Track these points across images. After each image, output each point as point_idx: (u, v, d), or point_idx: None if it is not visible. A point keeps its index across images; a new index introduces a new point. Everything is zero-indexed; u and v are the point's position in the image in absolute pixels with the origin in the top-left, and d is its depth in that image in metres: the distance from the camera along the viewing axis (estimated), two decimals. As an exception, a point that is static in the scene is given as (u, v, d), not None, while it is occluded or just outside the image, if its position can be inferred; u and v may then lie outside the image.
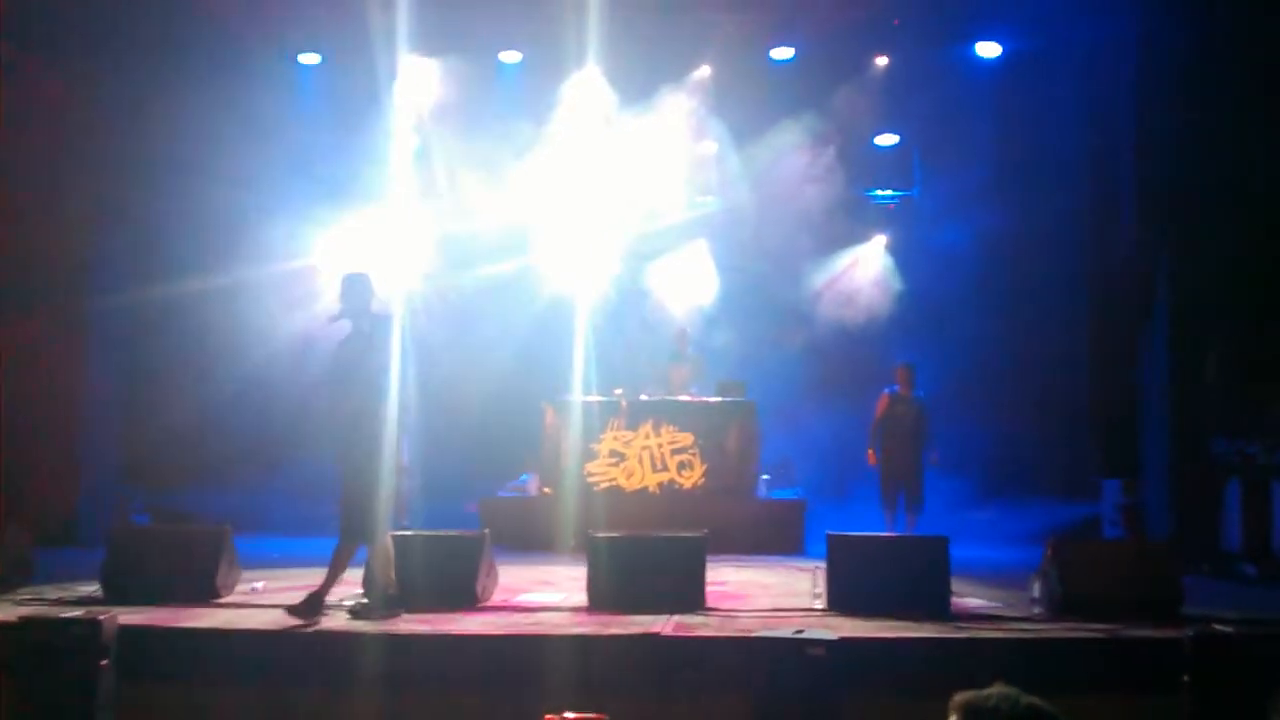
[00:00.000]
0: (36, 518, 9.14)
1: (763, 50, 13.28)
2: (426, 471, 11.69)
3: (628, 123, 12.79)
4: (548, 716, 2.50)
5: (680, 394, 11.74)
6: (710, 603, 7.16)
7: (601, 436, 11.31)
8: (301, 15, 12.46)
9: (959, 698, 2.42)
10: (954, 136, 13.28)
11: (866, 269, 13.62)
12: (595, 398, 11.58)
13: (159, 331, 12.03)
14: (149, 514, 11.50)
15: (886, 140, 13.93)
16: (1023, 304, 12.71)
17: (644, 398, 11.61)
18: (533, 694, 5.72)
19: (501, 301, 12.73)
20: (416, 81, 12.89)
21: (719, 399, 11.60)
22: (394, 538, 7.09)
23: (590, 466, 11.24)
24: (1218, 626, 5.56)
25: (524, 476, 11.77)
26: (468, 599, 7.10)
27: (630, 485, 11.26)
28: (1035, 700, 2.38)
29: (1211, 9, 10.46)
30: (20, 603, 6.94)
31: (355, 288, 6.94)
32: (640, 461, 11.29)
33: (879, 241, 13.77)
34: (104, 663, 5.50)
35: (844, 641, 5.65)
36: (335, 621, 6.58)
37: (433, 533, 7.79)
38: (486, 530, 7.77)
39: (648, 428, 11.33)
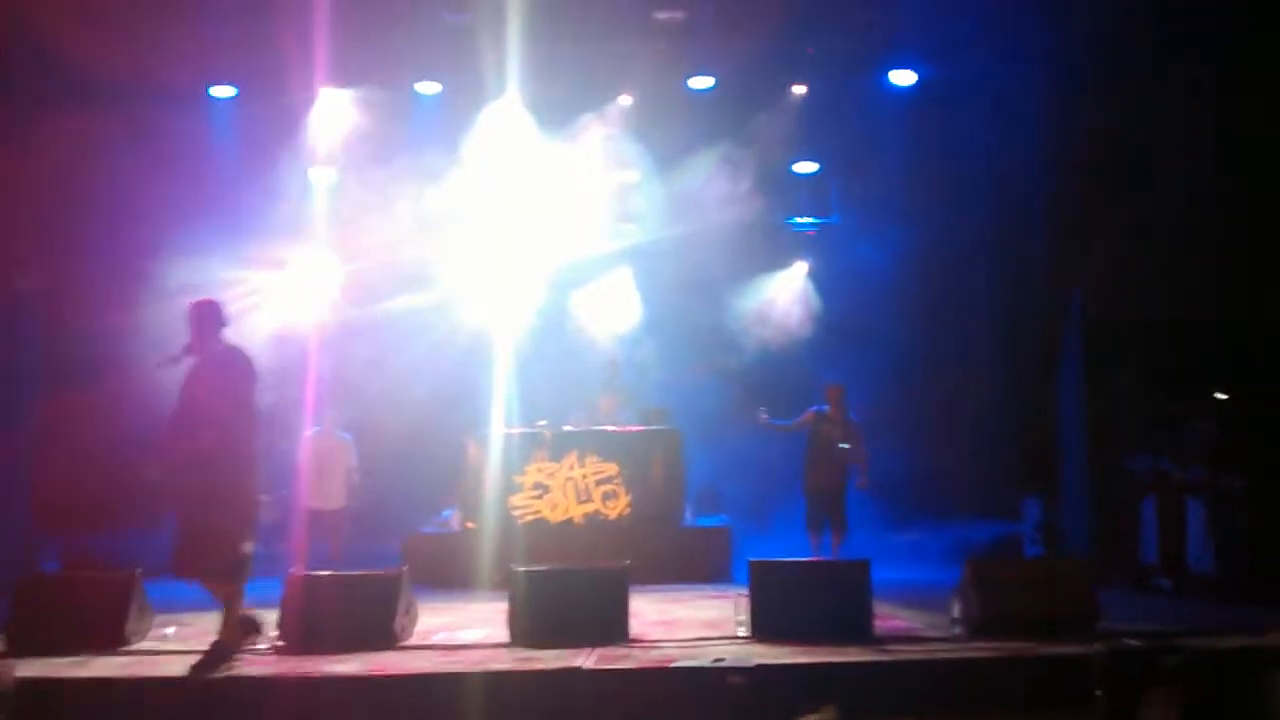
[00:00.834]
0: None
1: (682, 79, 13.36)
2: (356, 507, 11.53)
3: (548, 152, 12.76)
4: None
5: (609, 423, 11.68)
6: (634, 633, 7.12)
7: (525, 469, 11.21)
8: (214, 47, 12.26)
9: None
10: (871, 163, 13.42)
11: (788, 294, 13.74)
12: (517, 429, 11.48)
13: (67, 373, 11.71)
14: (60, 561, 11.15)
15: (805, 167, 14.07)
16: (941, 326, 12.86)
17: (568, 428, 11.54)
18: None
19: (421, 334, 12.58)
20: (332, 113, 12.76)
21: (643, 428, 11.57)
22: (305, 578, 6.94)
23: (514, 499, 11.13)
24: (1128, 641, 5.64)
25: (446, 512, 11.63)
26: (385, 639, 6.97)
27: (555, 517, 11.17)
28: None
29: (1120, 36, 10.72)
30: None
31: (205, 317, 6.61)
32: (565, 493, 11.21)
33: (800, 267, 13.89)
34: (2, 715, 5.30)
35: (764, 668, 5.64)
36: (249, 667, 6.43)
37: (349, 572, 7.64)
38: (405, 568, 7.64)
39: (572, 458, 11.26)
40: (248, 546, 6.49)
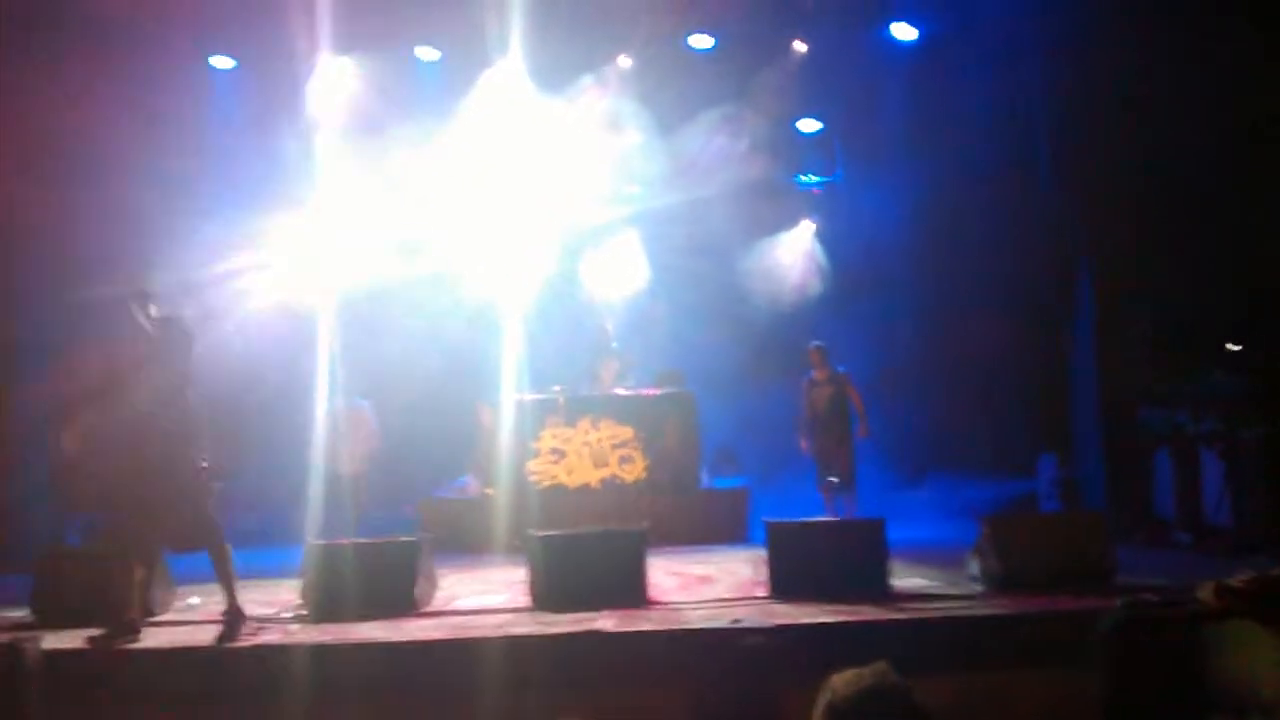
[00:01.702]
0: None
1: (682, 39, 13.26)
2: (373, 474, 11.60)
3: (549, 116, 12.69)
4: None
5: (613, 388, 11.69)
6: (652, 596, 7.16)
7: (541, 434, 11.24)
8: (214, 18, 12.20)
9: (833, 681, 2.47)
10: (874, 120, 13.34)
11: (795, 253, 13.70)
12: (531, 395, 11.50)
13: (87, 334, 11.71)
14: (82, 534, 11.22)
15: (809, 125, 13.97)
16: (949, 282, 12.79)
17: (582, 394, 11.56)
18: (476, 698, 5.69)
19: (428, 302, 12.56)
20: (333, 81, 12.69)
21: (657, 391, 11.58)
22: (326, 546, 6.99)
23: (531, 465, 11.16)
24: (1145, 595, 5.64)
25: (463, 478, 11.68)
26: (407, 605, 7.01)
27: (572, 482, 11.20)
28: (895, 681, 2.42)
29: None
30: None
31: (131, 296, 6.59)
32: (581, 457, 11.24)
33: (806, 227, 13.83)
34: (29, 688, 5.34)
35: (782, 628, 5.67)
36: (272, 634, 6.49)
37: (367, 540, 7.69)
38: (425, 534, 7.68)
39: (586, 423, 11.28)
40: (208, 508, 6.62)
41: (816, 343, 10.98)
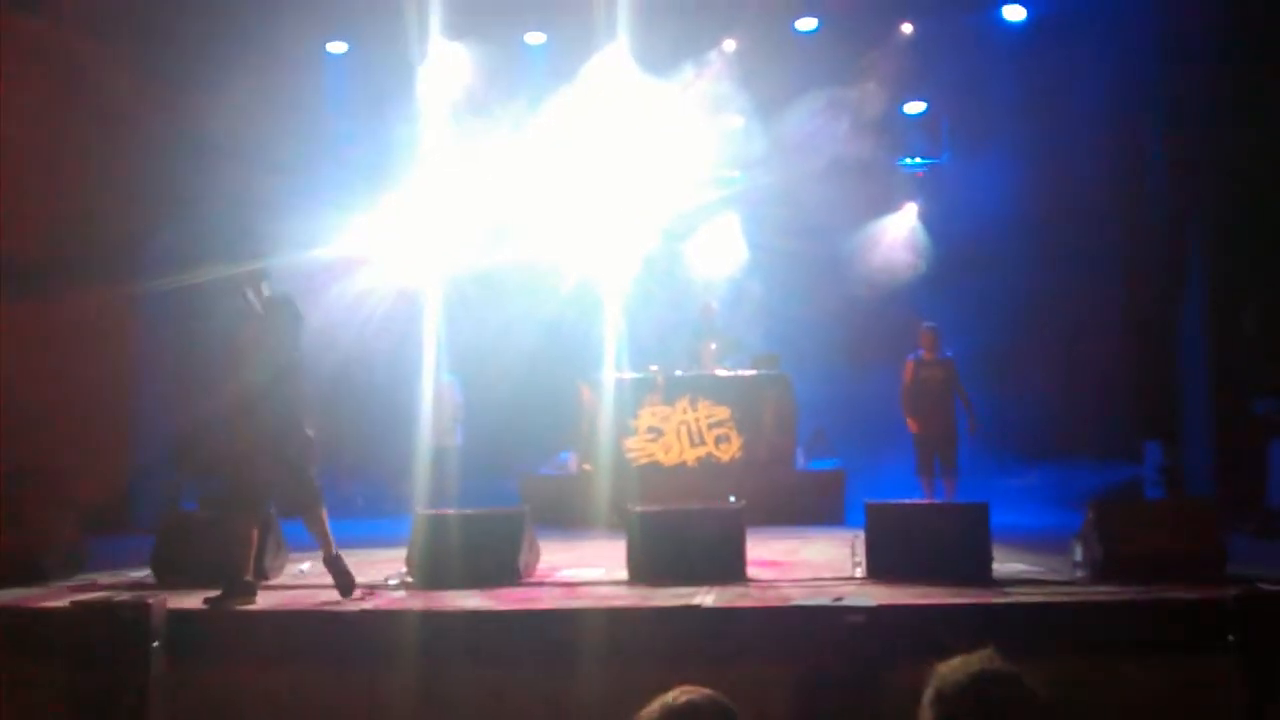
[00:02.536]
0: (87, 501, 9.26)
1: (787, 21, 13.20)
2: (466, 450, 11.83)
3: (654, 99, 12.75)
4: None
5: (712, 369, 11.75)
6: (750, 574, 7.19)
7: (639, 412, 11.35)
8: (328, 3, 12.51)
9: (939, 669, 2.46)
10: (981, 102, 13.19)
11: (898, 236, 13.58)
12: (630, 374, 11.61)
13: (204, 313, 12.11)
14: (197, 499, 11.63)
15: (914, 108, 13.84)
16: (1056, 266, 12.58)
17: (679, 373, 11.63)
18: (577, 666, 5.80)
19: (532, 282, 12.74)
20: (444, 66, 12.91)
21: (754, 372, 11.61)
22: (433, 516, 7.17)
23: (628, 442, 11.28)
24: (1263, 585, 5.52)
25: (564, 454, 11.85)
26: (510, 575, 7.15)
27: (668, 460, 11.30)
28: (1004, 668, 2.41)
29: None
30: (72, 589, 7.07)
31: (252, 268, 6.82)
32: (678, 436, 11.33)
33: (910, 209, 13.70)
34: (155, 645, 5.59)
35: (884, 608, 5.67)
36: (382, 599, 6.69)
37: (473, 511, 7.86)
38: (527, 506, 7.83)
39: (684, 403, 11.36)
40: (314, 473, 6.81)
41: (930, 324, 10.92)
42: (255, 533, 6.81)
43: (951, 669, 2.45)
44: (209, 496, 11.28)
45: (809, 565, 7.82)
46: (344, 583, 6.68)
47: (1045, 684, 2.50)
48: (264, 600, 6.74)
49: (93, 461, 10.42)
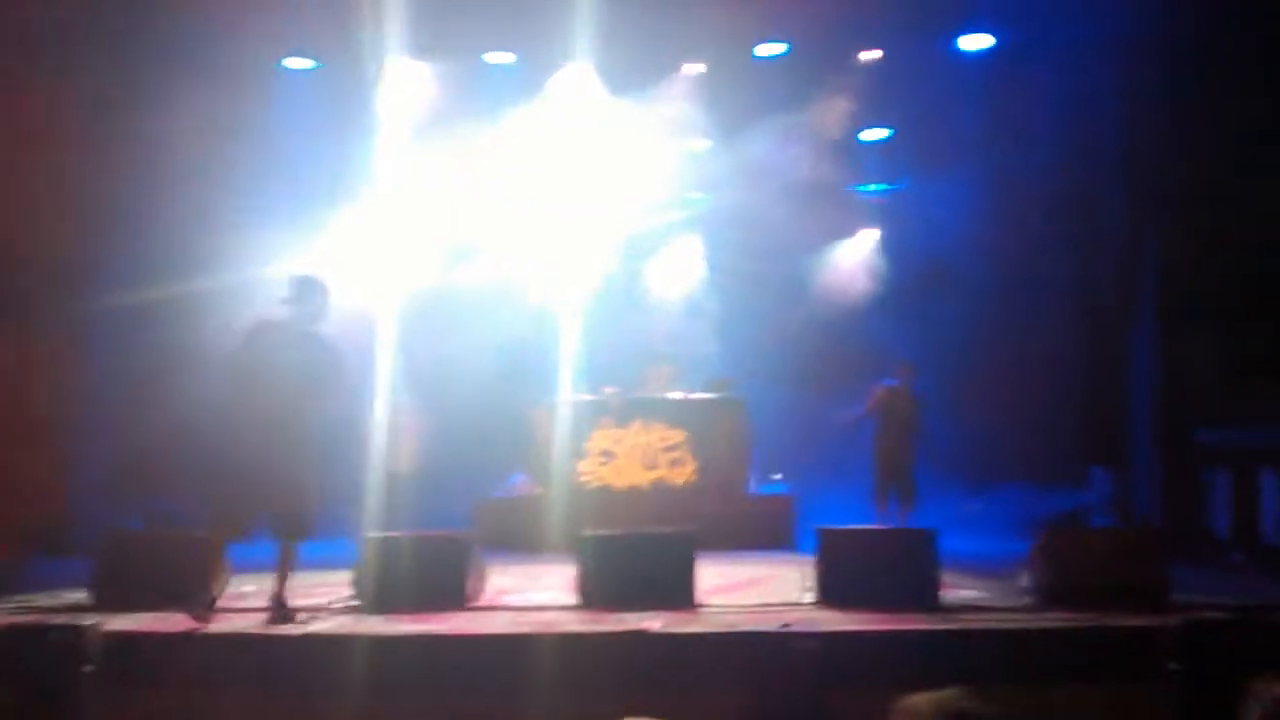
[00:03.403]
0: (26, 525, 9.09)
1: (751, 46, 13.28)
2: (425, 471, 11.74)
3: (617, 120, 12.77)
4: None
5: (665, 393, 11.72)
6: (700, 599, 7.15)
7: (592, 435, 11.32)
8: (286, 19, 12.41)
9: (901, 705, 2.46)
10: (942, 130, 13.30)
11: (856, 261, 13.67)
12: (584, 396, 11.57)
13: (150, 334, 11.97)
14: (142, 519, 11.45)
15: (874, 135, 13.95)
16: (1009, 295, 12.73)
17: (633, 396, 11.61)
18: (523, 693, 5.73)
19: (488, 302, 12.69)
20: (404, 84, 12.86)
21: (709, 395, 11.60)
22: (380, 539, 7.10)
23: (581, 465, 11.24)
24: (1206, 613, 5.57)
25: (515, 477, 11.77)
26: (456, 599, 7.08)
27: (621, 483, 11.26)
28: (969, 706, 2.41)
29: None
30: (6, 611, 6.91)
31: (313, 289, 6.95)
32: (631, 459, 11.30)
33: (868, 234, 13.80)
34: (87, 668, 5.46)
35: (832, 635, 5.66)
36: (323, 624, 6.59)
37: (420, 534, 7.77)
38: (474, 530, 7.76)
39: (638, 426, 11.34)
40: (317, 507, 6.87)
41: (909, 359, 11.07)
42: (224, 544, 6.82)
43: (914, 702, 2.44)
44: (158, 514, 11.16)
45: (759, 590, 7.80)
46: (281, 617, 6.60)
47: (992, 711, 2.49)
48: (203, 622, 6.61)
49: (34, 482, 10.24)
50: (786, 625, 5.88)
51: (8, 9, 10.03)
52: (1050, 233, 12.77)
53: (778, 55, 13.26)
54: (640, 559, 7.23)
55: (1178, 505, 10.39)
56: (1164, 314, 11.11)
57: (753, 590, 7.82)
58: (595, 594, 7.08)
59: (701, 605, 7.04)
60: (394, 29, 11.70)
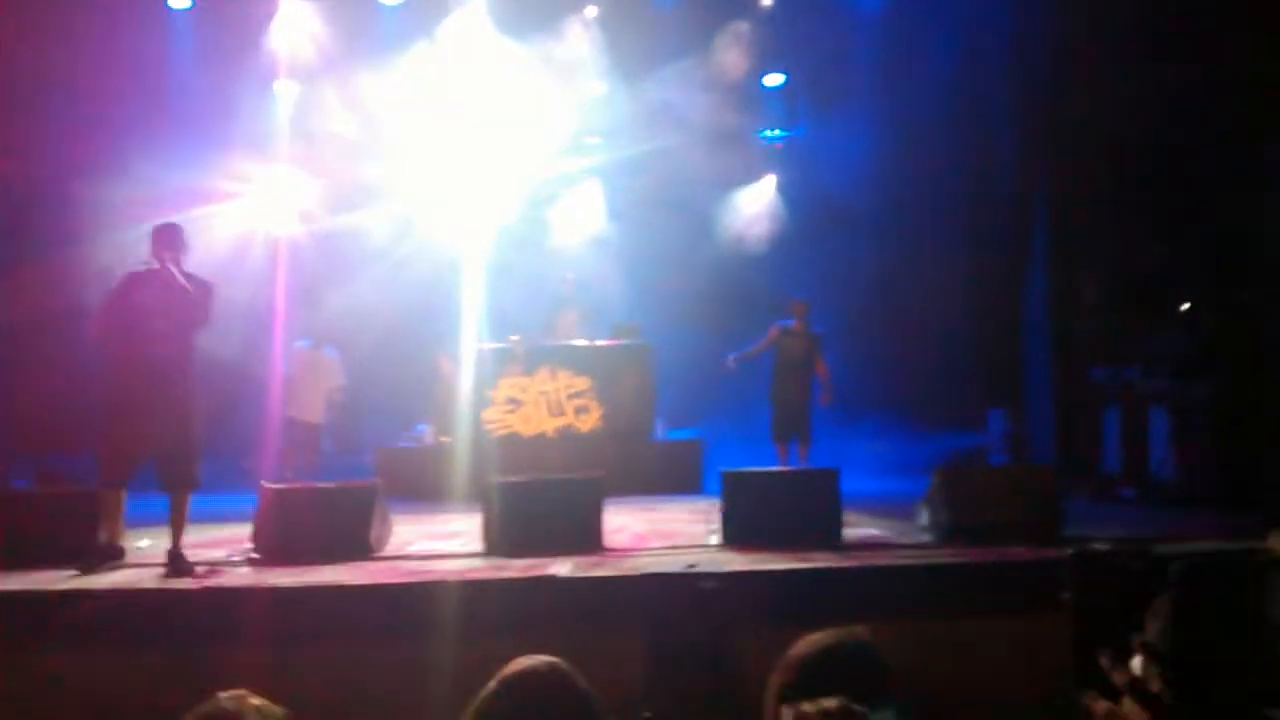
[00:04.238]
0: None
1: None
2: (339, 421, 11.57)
3: (513, 62, 12.55)
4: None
5: (571, 339, 11.67)
6: (607, 543, 7.17)
7: (498, 383, 11.23)
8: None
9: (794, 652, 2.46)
10: (838, 75, 13.39)
11: (756, 207, 13.71)
12: (489, 345, 11.46)
13: (31, 287, 11.51)
14: (33, 478, 11.10)
15: (773, 80, 13.95)
16: (906, 238, 12.92)
17: (540, 344, 11.54)
18: (430, 640, 5.69)
19: (388, 249, 12.46)
20: (293, 25, 12.49)
21: (614, 342, 11.58)
22: (280, 490, 6.98)
23: (487, 414, 11.15)
24: (1095, 545, 5.73)
25: (420, 426, 11.65)
26: (361, 550, 7.00)
27: (528, 431, 11.21)
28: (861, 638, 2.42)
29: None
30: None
31: (171, 237, 6.79)
32: (537, 407, 11.25)
33: (769, 180, 13.85)
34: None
35: (735, 575, 5.72)
36: (223, 577, 6.46)
37: (323, 484, 7.65)
38: (378, 480, 7.65)
39: (544, 373, 11.28)
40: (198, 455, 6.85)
41: (803, 298, 10.93)
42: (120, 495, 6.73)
43: (812, 640, 2.46)
44: (47, 472, 10.83)
45: (665, 534, 7.84)
46: (177, 571, 6.48)
47: (892, 644, 2.51)
48: (97, 578, 6.44)
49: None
50: (692, 566, 5.93)
51: None
52: (945, 176, 12.94)
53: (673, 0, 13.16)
54: (547, 505, 7.20)
55: (1072, 442, 10.70)
56: (1055, 255, 11.35)
57: (660, 534, 7.85)
58: (502, 541, 7.04)
59: (609, 549, 7.06)
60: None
